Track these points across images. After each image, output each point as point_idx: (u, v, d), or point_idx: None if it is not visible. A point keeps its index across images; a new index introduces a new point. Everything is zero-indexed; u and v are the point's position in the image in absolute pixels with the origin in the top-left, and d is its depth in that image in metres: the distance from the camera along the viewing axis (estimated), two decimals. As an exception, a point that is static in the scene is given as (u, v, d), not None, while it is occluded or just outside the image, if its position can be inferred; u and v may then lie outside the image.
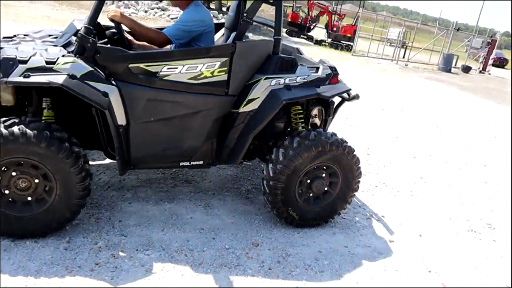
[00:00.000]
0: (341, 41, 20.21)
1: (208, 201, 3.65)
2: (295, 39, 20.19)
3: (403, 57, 20.46)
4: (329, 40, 20.63)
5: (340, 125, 6.46)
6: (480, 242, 3.84)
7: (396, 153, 5.92)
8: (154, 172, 4.01)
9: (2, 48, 2.75)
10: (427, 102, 10.49)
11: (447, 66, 19.78)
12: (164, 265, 2.73)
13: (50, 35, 3.33)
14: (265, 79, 3.18)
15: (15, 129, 2.50)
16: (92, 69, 2.71)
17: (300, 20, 21.02)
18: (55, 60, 2.64)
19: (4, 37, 3.14)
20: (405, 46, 21.30)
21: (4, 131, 2.50)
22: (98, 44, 2.75)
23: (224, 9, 21.87)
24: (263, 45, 3.30)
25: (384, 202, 4.28)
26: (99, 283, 2.48)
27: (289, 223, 3.39)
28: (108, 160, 3.94)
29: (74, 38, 2.89)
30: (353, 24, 20.66)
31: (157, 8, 17.27)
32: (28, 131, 2.52)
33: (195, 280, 2.65)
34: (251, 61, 3.20)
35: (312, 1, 21.32)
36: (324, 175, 3.35)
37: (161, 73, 2.89)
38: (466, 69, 21.68)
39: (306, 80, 3.32)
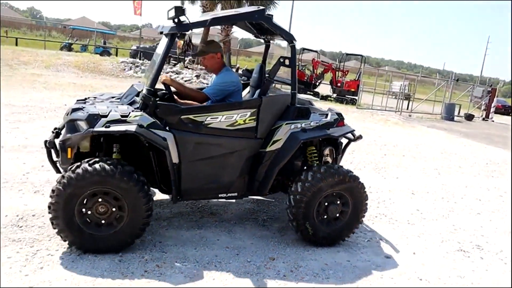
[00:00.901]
0: (346, 96, 21.20)
1: (231, 228, 4.32)
2: (302, 95, 21.29)
3: (407, 108, 21.34)
4: (334, 95, 21.66)
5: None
6: (468, 259, 4.40)
7: (395, 191, 6.55)
8: (184, 206, 4.71)
9: (84, 107, 3.65)
10: (428, 148, 11.16)
11: (449, 114, 20.56)
12: (199, 272, 3.38)
13: (113, 97, 4.32)
14: (286, 124, 4.03)
15: (97, 166, 3.33)
16: (154, 120, 3.56)
17: (306, 78, 22.17)
18: (127, 114, 3.51)
19: (78, 100, 4.13)
20: (408, 98, 22.25)
21: (89, 167, 3.32)
22: (157, 102, 3.62)
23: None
24: (283, 98, 4.17)
25: (382, 229, 4.89)
26: (150, 283, 3.13)
27: (304, 236, 4.07)
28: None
29: (136, 98, 3.87)
30: (356, 79, 21.80)
31: (172, 72, 18.57)
32: (107, 166, 3.34)
33: (224, 283, 3.28)
34: (274, 110, 4.06)
35: (316, 60, 22.64)
36: (338, 202, 4.08)
37: (205, 122, 3.75)
38: (469, 117, 22.42)
39: (318, 124, 4.16)
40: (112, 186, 3.38)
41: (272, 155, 4.01)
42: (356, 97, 20.25)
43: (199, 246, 3.84)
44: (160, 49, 3.97)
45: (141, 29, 36.41)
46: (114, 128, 3.43)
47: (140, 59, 21.47)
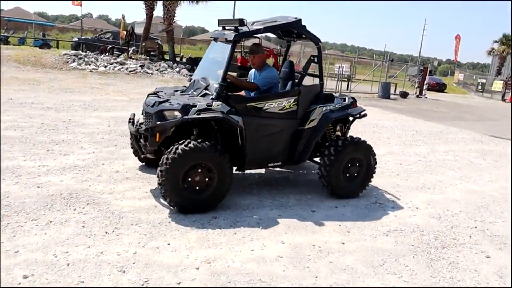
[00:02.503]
0: (289, 79, 22.05)
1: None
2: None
3: (347, 89, 22.53)
4: (278, 79, 22.45)
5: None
6: (382, 209, 5.25)
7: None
8: (136, 180, 5.27)
9: (169, 100, 4.65)
10: (361, 123, 12.12)
11: (385, 93, 21.93)
12: (152, 231, 3.99)
13: (176, 90, 5.33)
14: (319, 107, 5.25)
15: (199, 145, 4.30)
16: (230, 108, 4.56)
17: (249, 64, 22.74)
18: (211, 104, 4.49)
19: (149, 94, 5.21)
20: (349, 79, 23.41)
21: (193, 146, 4.26)
22: (229, 93, 4.69)
23: (178, 58, 23.55)
24: (315, 87, 5.40)
25: (312, 190, 5.66)
26: (110, 242, 3.72)
27: (332, 190, 5.32)
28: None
29: (205, 91, 4.86)
30: (297, 63, 22.64)
31: (116, 63, 18.62)
32: (205, 145, 4.32)
33: (174, 238, 3.91)
34: (309, 97, 5.27)
35: (258, 46, 23.26)
36: (357, 164, 5.38)
37: (264, 108, 4.87)
38: (404, 95, 23.96)
39: (341, 106, 5.49)
40: (209, 160, 4.36)
41: (309, 131, 5.19)
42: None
43: (151, 212, 4.44)
44: (216, 53, 5.39)
45: (82, 19, 35.60)
46: (204, 115, 4.45)
47: (82, 51, 21.26)
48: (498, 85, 33.18)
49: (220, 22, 5.24)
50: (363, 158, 5.41)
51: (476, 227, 5.04)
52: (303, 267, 3.65)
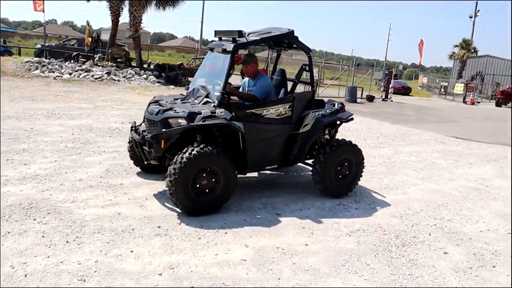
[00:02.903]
0: (257, 85, 22.12)
1: (143, 203, 4.90)
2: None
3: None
4: (245, 84, 22.45)
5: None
6: (346, 210, 5.35)
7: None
8: (99, 188, 5.21)
9: (173, 108, 4.86)
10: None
11: (352, 97, 22.33)
12: (114, 238, 3.95)
13: (175, 99, 5.44)
14: (312, 112, 5.57)
15: (207, 150, 4.53)
16: (232, 114, 4.81)
17: (217, 70, 22.79)
18: (215, 111, 4.73)
19: (150, 102, 5.40)
20: (317, 84, 23.73)
21: (201, 151, 4.48)
22: (230, 101, 5.00)
23: (145, 65, 23.32)
24: (307, 94, 5.75)
25: (275, 194, 5.72)
26: (71, 251, 3.66)
27: (327, 191, 5.68)
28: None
29: (206, 99, 5.06)
30: (265, 68, 22.79)
31: (81, 70, 18.30)
32: (213, 150, 4.57)
33: (137, 245, 3.89)
34: (302, 103, 5.60)
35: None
36: (346, 164, 5.71)
37: (262, 114, 5.17)
38: (370, 98, 24.44)
39: (331, 111, 5.81)
40: (215, 164, 4.61)
41: (304, 135, 5.54)
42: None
43: (114, 219, 4.39)
44: (213, 62, 5.70)
45: (45, 26, 34.82)
46: (210, 121, 4.70)
47: (46, 58, 20.78)
48: (459, 88, 34.22)
49: (217, 33, 5.48)
50: (352, 158, 5.78)
51: (435, 225, 5.20)
52: (267, 269, 3.69)
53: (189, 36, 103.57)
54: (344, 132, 11.43)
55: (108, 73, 18.61)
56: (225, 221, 4.61)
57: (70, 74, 17.76)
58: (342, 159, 5.66)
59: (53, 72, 17.59)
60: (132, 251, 3.78)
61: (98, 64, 20.40)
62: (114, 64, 20.83)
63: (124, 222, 4.37)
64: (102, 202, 4.86)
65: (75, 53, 21.57)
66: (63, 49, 24.68)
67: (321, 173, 5.51)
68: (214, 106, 4.85)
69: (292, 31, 5.49)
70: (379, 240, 4.57)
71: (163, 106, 4.99)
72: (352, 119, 6.15)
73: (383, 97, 26.78)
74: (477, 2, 47.64)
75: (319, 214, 5.13)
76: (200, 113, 4.68)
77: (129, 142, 5.86)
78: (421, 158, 9.11)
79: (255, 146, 5.16)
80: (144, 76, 19.60)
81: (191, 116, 4.66)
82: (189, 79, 22.68)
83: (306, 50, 5.64)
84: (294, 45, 5.85)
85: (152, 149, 4.81)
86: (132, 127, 5.47)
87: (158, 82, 19.18)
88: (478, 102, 32.42)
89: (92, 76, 17.96)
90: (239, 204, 5.15)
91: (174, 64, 22.41)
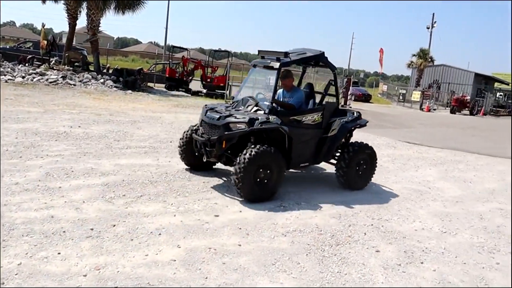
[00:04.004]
0: (216, 91, 21.90)
1: (78, 206, 4.83)
2: (174, 92, 21.74)
3: (275, 99, 22.98)
4: (205, 90, 22.25)
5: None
6: (287, 212, 5.43)
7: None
8: (34, 191, 5.10)
9: (233, 114, 5.85)
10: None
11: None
12: (43, 241, 3.88)
13: (227, 106, 6.51)
14: (338, 119, 6.64)
15: (265, 149, 5.53)
16: (281, 120, 5.81)
17: (177, 75, 22.65)
18: (268, 117, 5.73)
19: (207, 110, 6.21)
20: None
21: (261, 150, 5.47)
22: (279, 109, 6.10)
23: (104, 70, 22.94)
24: (333, 104, 6.89)
25: (214, 195, 5.74)
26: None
27: (349, 185, 6.74)
28: None
29: (256, 107, 6.06)
30: (224, 74, 22.86)
31: (35, 74, 17.82)
32: (270, 149, 5.59)
33: (66, 247, 3.83)
34: (330, 111, 6.67)
35: (186, 57, 23.21)
36: (362, 162, 6.81)
37: (302, 120, 6.23)
38: (329, 105, 24.86)
39: (352, 118, 6.87)
40: (271, 160, 5.60)
41: (331, 138, 6.59)
42: (225, 91, 21.33)
43: (46, 222, 4.31)
44: (257, 77, 7.57)
45: (1, 28, 33.76)
46: (266, 126, 5.72)
47: (0, 61, 20.09)
48: (416, 95, 35.32)
49: (261, 52, 6.66)
50: (368, 158, 6.87)
51: (372, 225, 5.35)
52: (195, 269, 3.70)
53: (154, 42, 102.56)
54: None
55: (64, 77, 18.20)
56: (161, 223, 4.60)
57: (23, 77, 17.28)
58: (361, 158, 6.73)
59: (5, 75, 17.05)
60: (59, 253, 3.72)
61: (54, 67, 19.93)
62: (71, 68, 20.39)
63: (56, 224, 4.30)
64: (36, 205, 4.76)
65: (29, 56, 21.02)
66: (17, 51, 24.00)
67: (345, 169, 6.60)
68: (265, 113, 5.85)
69: (323, 53, 6.67)
70: (314, 239, 4.66)
71: (221, 113, 5.93)
72: (365, 125, 7.20)
73: (342, 104, 27.32)
74: (433, 14, 48.86)
75: (258, 215, 5.19)
76: (258, 119, 5.66)
77: (181, 144, 6.72)
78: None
79: (296, 146, 6.11)
80: (101, 80, 19.26)
81: (251, 121, 5.65)
82: (149, 84, 22.56)
83: (332, 68, 6.84)
84: (321, 63, 7.00)
85: (215, 149, 5.77)
86: (194, 130, 6.45)
87: (115, 87, 18.87)
88: (434, 109, 33.46)
89: (47, 80, 17.52)
90: (177, 207, 5.16)
91: (133, 69, 22.15)
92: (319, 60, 6.83)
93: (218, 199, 5.61)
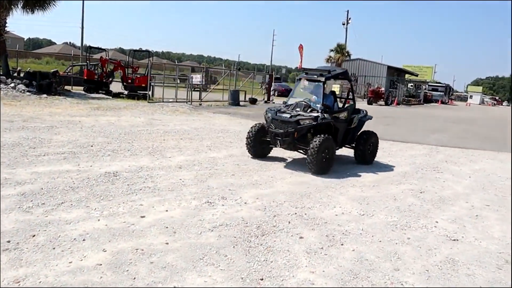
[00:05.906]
0: (138, 91, 21.23)
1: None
2: (94, 94, 20.91)
3: (199, 98, 22.96)
4: (126, 92, 21.57)
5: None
6: (212, 208, 5.51)
7: (166, 168, 7.46)
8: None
9: (300, 114, 8.32)
10: (207, 130, 12.53)
11: (235, 100, 22.89)
12: None
13: (286, 106, 8.88)
14: (356, 116, 9.29)
15: (326, 137, 8.00)
16: (331, 117, 8.43)
17: (96, 77, 21.81)
18: (324, 115, 8.25)
19: (270, 109, 8.79)
20: (205, 89, 23.86)
21: (326, 138, 7.94)
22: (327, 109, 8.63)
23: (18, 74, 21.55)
24: (353, 105, 9.52)
25: (143, 198, 5.71)
26: None
27: (363, 162, 9.33)
28: None
29: (310, 108, 8.53)
30: (146, 74, 22.34)
31: None
32: (327, 137, 8.02)
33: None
34: (351, 110, 9.26)
35: (104, 58, 22.40)
36: (371, 145, 9.40)
37: (339, 116, 8.83)
38: (253, 101, 25.30)
39: (364, 114, 9.56)
40: (330, 144, 7.99)
41: (353, 129, 9.25)
42: (147, 92, 20.89)
43: None
44: (305, 86, 9.20)
45: None
46: (325, 121, 8.20)
47: None
48: (336, 89, 36.82)
49: (306, 69, 9.62)
50: (374, 141, 9.46)
51: (295, 213, 5.59)
52: (122, 271, 3.68)
53: (70, 42, 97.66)
54: (221, 134, 11.78)
55: None
56: (85, 229, 4.49)
57: None
58: (371, 142, 9.29)
59: None
60: (-27, 270, 3.53)
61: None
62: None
63: (-32, 239, 4.06)
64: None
65: None
66: None
67: (363, 150, 9.17)
68: (318, 112, 8.26)
69: (346, 70, 10.04)
70: (240, 232, 4.80)
71: (291, 113, 8.29)
72: (370, 118, 9.73)
73: (265, 99, 27.85)
74: (348, 11, 51.27)
75: (184, 214, 5.22)
76: (319, 117, 8.12)
77: (249, 136, 8.91)
78: (293, 154, 9.66)
79: (337, 135, 8.65)
80: (12, 85, 18.08)
81: (316, 118, 8.12)
82: (67, 87, 21.48)
83: (349, 79, 9.74)
84: (340, 76, 9.50)
85: (289, 138, 8.10)
86: (267, 126, 8.59)
87: (28, 91, 17.81)
88: (352, 101, 35.10)
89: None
90: (101, 211, 5.06)
91: (48, 72, 21.01)
92: (344, 75, 9.55)
93: (143, 201, 5.56)
